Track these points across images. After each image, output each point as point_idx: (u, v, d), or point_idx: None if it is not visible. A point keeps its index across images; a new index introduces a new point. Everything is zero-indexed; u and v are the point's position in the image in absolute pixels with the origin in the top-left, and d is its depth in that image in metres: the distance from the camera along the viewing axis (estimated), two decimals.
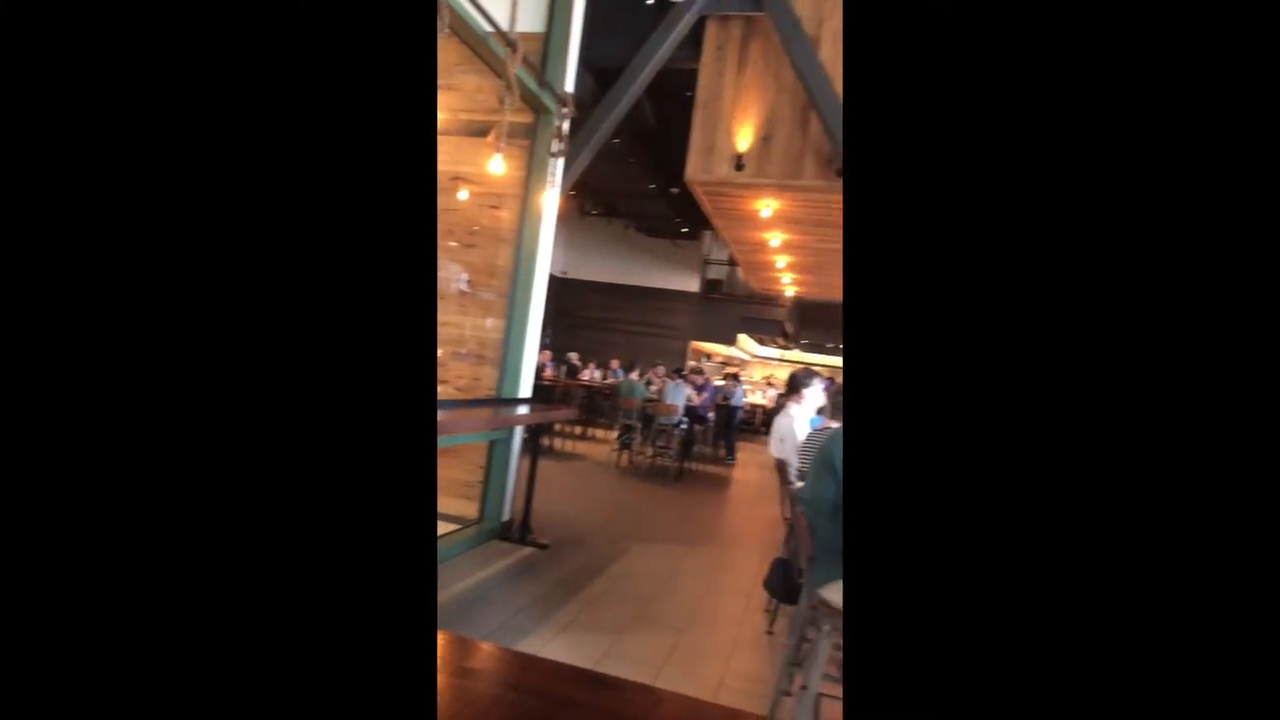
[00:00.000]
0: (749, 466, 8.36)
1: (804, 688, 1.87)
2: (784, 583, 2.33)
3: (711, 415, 8.50)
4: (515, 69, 3.09)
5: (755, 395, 12.61)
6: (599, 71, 5.53)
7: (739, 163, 5.37)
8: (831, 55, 5.10)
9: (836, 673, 2.02)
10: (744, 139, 5.40)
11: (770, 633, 2.97)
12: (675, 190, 9.30)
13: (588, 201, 12.11)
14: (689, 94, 5.64)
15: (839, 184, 5.17)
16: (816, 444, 2.77)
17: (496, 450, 4.02)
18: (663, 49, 5.21)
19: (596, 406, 9.51)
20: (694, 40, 5.46)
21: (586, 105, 5.10)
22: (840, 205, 5.75)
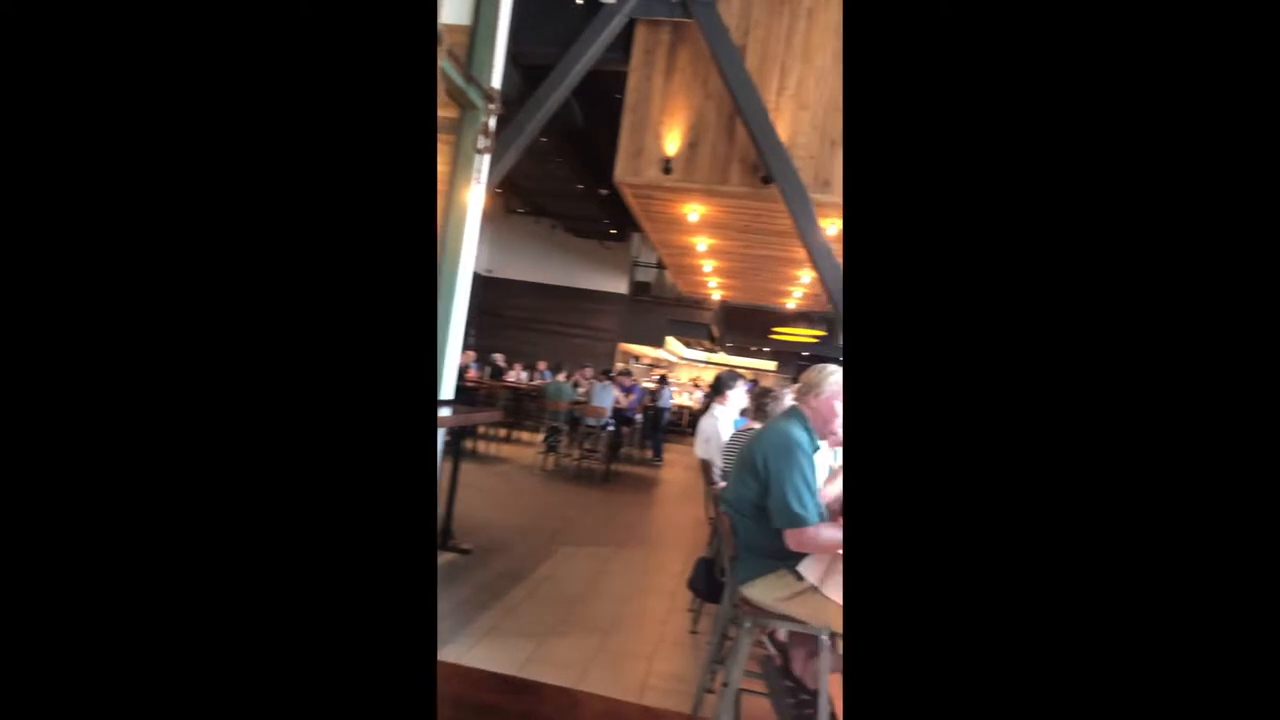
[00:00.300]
0: (676, 467, 8.44)
1: (725, 685, 1.89)
2: (707, 582, 2.35)
3: (639, 417, 8.54)
4: (440, 62, 3.01)
5: (682, 397, 12.77)
6: (527, 69, 5.46)
7: (667, 166, 5.43)
8: (758, 65, 5.23)
9: (757, 669, 2.06)
10: (672, 143, 5.45)
11: (694, 632, 3.00)
12: (604, 191, 9.30)
13: (514, 199, 11.94)
14: (618, 96, 5.65)
15: (764, 191, 5.30)
16: (740, 444, 2.82)
17: None
18: (592, 49, 5.19)
19: (522, 409, 9.38)
20: (623, 43, 5.48)
21: (514, 102, 5.03)
22: (765, 212, 5.90)
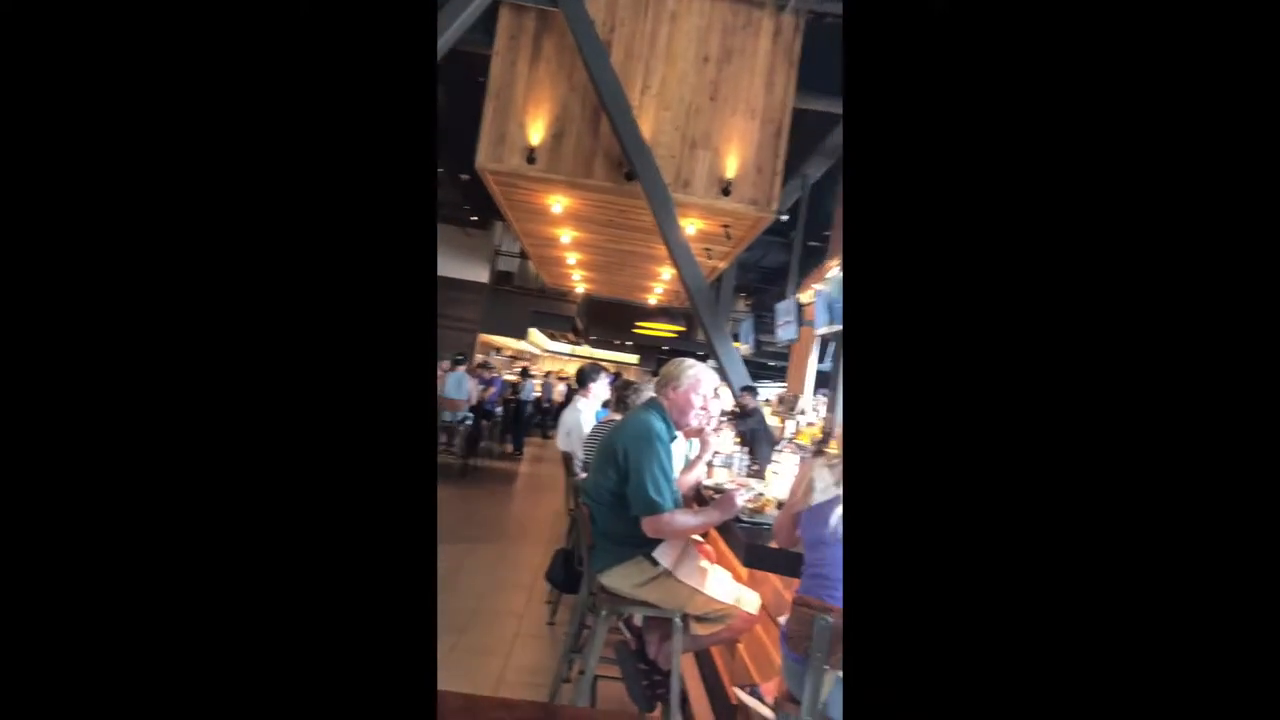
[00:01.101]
0: (539, 461, 8.37)
1: (581, 673, 1.91)
2: (565, 573, 2.36)
3: (500, 410, 8.35)
4: None
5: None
6: None
7: (531, 156, 5.34)
8: (622, 61, 5.28)
9: (613, 655, 2.10)
10: (536, 133, 5.38)
11: (552, 624, 3.00)
12: (465, 177, 8.98)
13: None
14: (481, 79, 5.48)
15: (627, 187, 5.37)
16: (601, 436, 2.85)
17: None
18: (452, 28, 4.99)
19: None
20: (487, 25, 5.32)
21: None
22: (629, 208, 5.99)
